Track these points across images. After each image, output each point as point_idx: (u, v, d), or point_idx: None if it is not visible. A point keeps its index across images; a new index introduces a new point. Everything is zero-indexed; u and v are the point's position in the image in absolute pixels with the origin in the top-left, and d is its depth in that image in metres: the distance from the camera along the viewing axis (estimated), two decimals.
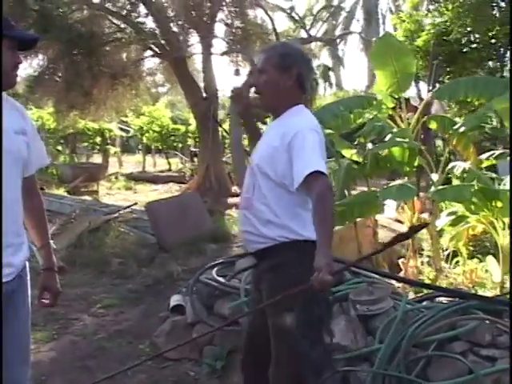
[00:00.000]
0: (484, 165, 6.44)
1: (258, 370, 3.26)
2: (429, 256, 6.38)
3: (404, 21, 15.19)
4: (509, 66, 13.83)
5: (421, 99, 14.45)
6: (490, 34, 13.48)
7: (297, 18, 18.57)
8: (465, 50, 14.17)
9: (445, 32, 13.90)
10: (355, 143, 6.86)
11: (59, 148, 24.63)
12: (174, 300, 5.53)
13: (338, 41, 29.52)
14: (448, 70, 14.26)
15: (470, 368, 3.60)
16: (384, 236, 7.96)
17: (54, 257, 3.09)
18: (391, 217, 9.31)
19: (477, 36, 14.04)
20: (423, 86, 16.61)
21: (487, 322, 3.86)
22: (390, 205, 8.10)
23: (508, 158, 6.17)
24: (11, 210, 2.69)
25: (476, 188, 5.20)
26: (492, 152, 6.57)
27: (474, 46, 14.21)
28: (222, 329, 4.67)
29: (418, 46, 14.10)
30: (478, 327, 3.81)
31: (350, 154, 6.46)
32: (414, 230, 2.87)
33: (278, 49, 3.19)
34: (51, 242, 3.09)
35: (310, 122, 3.03)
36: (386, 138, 6.04)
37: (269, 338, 3.09)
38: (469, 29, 13.75)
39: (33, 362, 4.82)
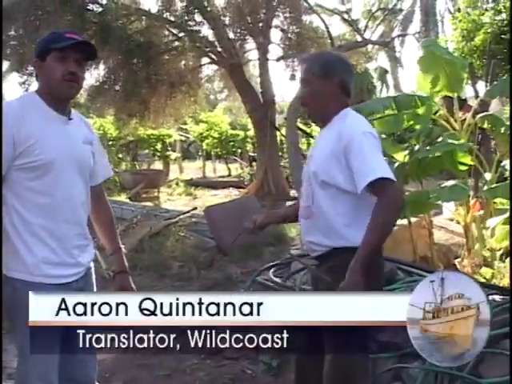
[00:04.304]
0: None
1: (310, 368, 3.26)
2: (484, 256, 6.36)
3: (460, 21, 15.02)
4: None
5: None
6: None
7: (350, 20, 18.43)
8: None
9: (503, 31, 13.70)
10: (406, 145, 6.85)
11: (120, 156, 25.06)
12: None
13: (394, 43, 29.26)
14: (507, 68, 14.03)
15: None
16: (441, 237, 7.94)
17: (126, 261, 3.27)
18: (449, 218, 9.26)
19: None
20: (482, 86, 16.38)
21: None
22: (448, 206, 8.07)
23: None
24: (76, 214, 2.91)
25: None
26: None
27: None
28: None
29: (476, 46, 13.93)
30: None
31: (402, 156, 6.46)
32: None
33: (317, 58, 3.18)
34: (122, 246, 3.28)
35: (363, 124, 3.01)
36: (439, 140, 6.05)
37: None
38: None
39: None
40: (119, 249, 3.23)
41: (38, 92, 2.87)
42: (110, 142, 23.57)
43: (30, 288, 2.62)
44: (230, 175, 25.98)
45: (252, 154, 24.62)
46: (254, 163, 22.03)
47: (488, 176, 6.06)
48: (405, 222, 6.43)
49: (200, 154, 30.08)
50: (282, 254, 8.70)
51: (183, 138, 28.52)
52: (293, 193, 16.15)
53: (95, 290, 3.11)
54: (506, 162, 5.98)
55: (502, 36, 13.59)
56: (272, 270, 5.65)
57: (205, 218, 9.95)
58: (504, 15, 13.86)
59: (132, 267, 8.38)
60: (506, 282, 5.78)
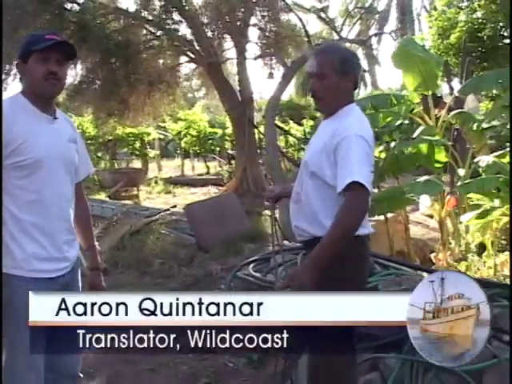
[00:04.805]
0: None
1: None
2: (461, 250, 6.49)
3: (436, 19, 15.16)
4: None
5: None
6: None
7: (327, 19, 18.54)
8: (498, 46, 14.09)
9: (477, 29, 13.87)
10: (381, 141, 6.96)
11: (99, 154, 25.04)
12: None
13: (371, 41, 29.42)
14: (482, 66, 14.20)
15: (494, 353, 3.76)
16: (417, 232, 8.09)
17: (99, 258, 3.36)
18: (426, 213, 9.41)
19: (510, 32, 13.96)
20: (457, 83, 16.55)
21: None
22: (424, 201, 8.20)
23: None
24: (64, 210, 3.00)
25: (501, 180, 5.28)
26: None
27: (508, 41, 14.11)
28: None
29: (451, 44, 14.09)
30: (501, 314, 3.96)
31: (377, 152, 6.57)
32: None
33: (335, 52, 3.21)
34: (96, 244, 3.36)
35: (360, 126, 3.06)
36: (414, 135, 6.18)
37: None
38: (501, 24, 13.70)
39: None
40: (93, 246, 3.32)
41: (22, 93, 2.96)
42: (89, 141, 23.48)
43: (22, 283, 2.72)
44: (208, 173, 26.06)
45: (230, 152, 24.63)
46: (232, 161, 22.10)
47: (462, 172, 6.20)
48: (381, 217, 6.56)
49: (178, 152, 30.05)
50: (261, 251, 8.78)
51: (162, 137, 28.51)
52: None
53: (80, 284, 3.19)
54: (480, 158, 6.11)
55: (477, 34, 13.77)
56: (252, 266, 5.75)
57: (185, 216, 10.02)
58: (479, 13, 14.02)
59: (113, 265, 8.50)
60: (483, 275, 5.91)
